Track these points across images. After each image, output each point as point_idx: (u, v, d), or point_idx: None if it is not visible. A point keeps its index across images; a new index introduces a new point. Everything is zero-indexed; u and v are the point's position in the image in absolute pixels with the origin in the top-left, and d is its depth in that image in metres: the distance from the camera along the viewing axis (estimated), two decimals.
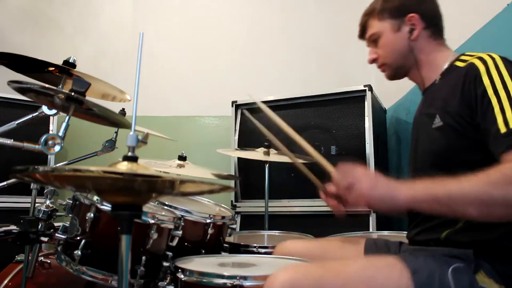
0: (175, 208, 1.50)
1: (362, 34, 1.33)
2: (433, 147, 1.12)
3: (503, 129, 0.91)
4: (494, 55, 1.03)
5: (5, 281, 1.54)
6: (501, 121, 0.92)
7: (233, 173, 2.60)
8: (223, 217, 1.63)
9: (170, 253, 1.37)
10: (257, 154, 2.07)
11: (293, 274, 0.92)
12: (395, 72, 1.30)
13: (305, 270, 0.95)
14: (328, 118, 2.45)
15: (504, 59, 1.01)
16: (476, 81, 1.00)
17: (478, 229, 0.98)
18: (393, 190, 0.94)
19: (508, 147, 0.89)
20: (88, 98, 1.25)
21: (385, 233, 1.78)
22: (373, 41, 1.29)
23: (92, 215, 1.25)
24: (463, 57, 1.13)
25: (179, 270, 1.13)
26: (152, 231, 1.26)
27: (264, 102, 2.64)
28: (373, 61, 1.31)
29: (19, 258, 1.64)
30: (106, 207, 1.26)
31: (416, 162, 1.23)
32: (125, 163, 0.72)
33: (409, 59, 1.24)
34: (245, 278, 1.02)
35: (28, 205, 1.47)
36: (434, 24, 1.23)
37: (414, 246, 1.16)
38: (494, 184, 0.85)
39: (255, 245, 1.60)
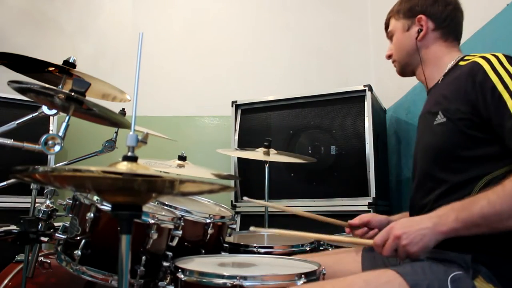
0: (175, 208, 1.50)
1: (386, 31, 1.41)
2: (434, 142, 1.13)
3: None
4: (498, 54, 1.04)
5: (5, 281, 1.54)
6: None
7: (233, 173, 2.60)
8: (223, 217, 1.63)
9: (170, 253, 1.37)
10: (257, 154, 2.07)
11: None
12: (402, 69, 1.36)
13: None
14: (328, 118, 2.45)
15: (507, 57, 1.03)
16: (482, 78, 1.00)
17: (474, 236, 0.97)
18: (431, 229, 0.94)
19: None
20: (88, 98, 1.24)
21: None
22: (390, 38, 1.37)
23: (92, 215, 1.25)
24: (467, 57, 1.15)
25: (179, 270, 1.13)
26: (152, 231, 1.26)
27: (264, 102, 2.67)
28: (389, 57, 1.38)
29: (19, 258, 1.64)
30: (106, 207, 1.26)
31: (417, 158, 1.24)
32: (125, 163, 0.72)
33: (415, 58, 1.28)
34: (245, 278, 1.02)
35: (28, 205, 1.46)
36: (444, 26, 1.24)
37: None
38: None
39: (255, 245, 1.60)
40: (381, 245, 1.01)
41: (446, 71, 1.20)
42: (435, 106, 1.14)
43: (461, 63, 1.15)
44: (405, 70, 1.35)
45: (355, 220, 1.37)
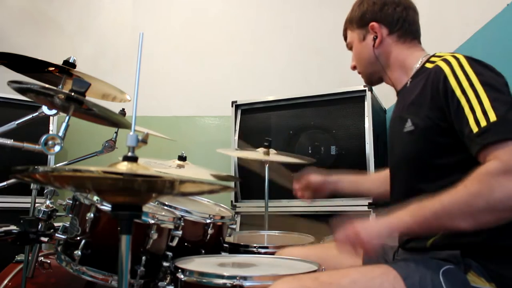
0: (175, 208, 1.50)
1: (345, 42, 1.39)
2: (406, 151, 1.12)
3: (475, 129, 0.92)
4: (458, 55, 1.03)
5: (5, 281, 1.54)
6: (472, 121, 0.92)
7: (233, 173, 2.60)
8: (223, 217, 1.63)
9: (170, 253, 1.37)
10: (257, 154, 2.07)
11: (286, 287, 0.92)
12: (368, 79, 1.34)
13: (299, 283, 0.94)
14: (328, 118, 2.45)
15: (468, 58, 1.01)
16: (443, 83, 1.00)
17: (462, 234, 0.96)
18: (386, 223, 0.97)
19: (482, 147, 0.90)
20: (88, 98, 1.24)
21: None
22: (350, 49, 1.35)
23: (92, 215, 1.25)
24: (433, 58, 1.13)
25: (179, 270, 1.13)
26: (152, 231, 1.26)
27: (264, 102, 2.67)
28: (353, 68, 1.37)
29: (19, 258, 1.64)
30: (106, 207, 1.26)
31: (392, 165, 1.24)
32: (125, 163, 0.72)
33: (377, 66, 1.27)
34: (245, 278, 1.02)
35: (28, 205, 1.47)
36: (398, 29, 1.23)
37: (405, 251, 1.16)
38: (474, 195, 0.87)
39: (255, 245, 1.60)
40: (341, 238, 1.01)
41: (413, 73, 1.18)
42: (405, 111, 1.13)
43: (428, 65, 1.12)
44: (371, 79, 1.33)
45: (299, 183, 1.56)
